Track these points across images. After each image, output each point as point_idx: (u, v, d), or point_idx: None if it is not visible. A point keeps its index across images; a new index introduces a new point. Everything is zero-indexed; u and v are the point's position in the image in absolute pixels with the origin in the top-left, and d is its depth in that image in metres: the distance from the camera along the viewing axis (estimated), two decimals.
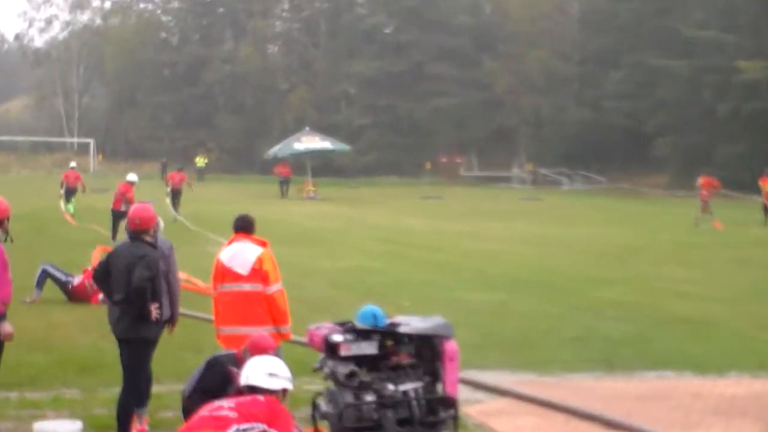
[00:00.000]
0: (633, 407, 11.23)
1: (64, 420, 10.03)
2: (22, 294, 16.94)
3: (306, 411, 9.56)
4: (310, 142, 57.73)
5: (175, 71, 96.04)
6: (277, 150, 58.82)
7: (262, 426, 6.80)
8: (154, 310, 9.58)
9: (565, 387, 12.22)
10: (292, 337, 10.88)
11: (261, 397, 7.13)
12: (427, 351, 9.20)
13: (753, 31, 65.06)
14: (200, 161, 73.96)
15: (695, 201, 40.75)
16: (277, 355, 8.52)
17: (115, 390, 10.63)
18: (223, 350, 9.45)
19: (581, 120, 74.24)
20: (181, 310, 10.85)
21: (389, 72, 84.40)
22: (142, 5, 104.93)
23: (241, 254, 10.39)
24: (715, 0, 68.21)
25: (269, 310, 10.33)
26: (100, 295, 17.53)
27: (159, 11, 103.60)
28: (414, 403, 8.89)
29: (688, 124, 66.41)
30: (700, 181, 40.69)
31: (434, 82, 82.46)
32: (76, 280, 18.12)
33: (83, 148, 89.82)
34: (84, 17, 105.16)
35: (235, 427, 6.71)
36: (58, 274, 18.28)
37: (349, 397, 8.74)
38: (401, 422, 8.83)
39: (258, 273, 10.26)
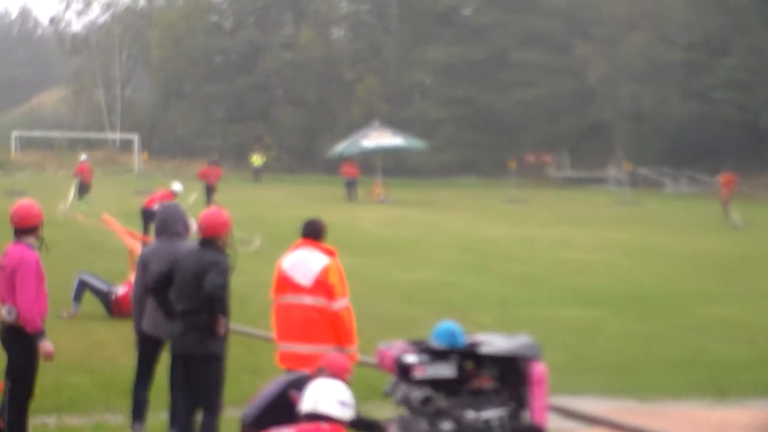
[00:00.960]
0: None
1: None
2: (59, 308, 17.19)
3: None
4: (380, 138, 57.75)
5: (228, 59, 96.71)
6: (342, 147, 58.93)
7: None
8: (222, 324, 9.68)
9: (670, 416, 12.14)
10: (359, 358, 10.86)
11: (325, 425, 7.18)
12: (511, 374, 9.20)
13: None
14: (256, 160, 74.31)
15: None
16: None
17: (163, 416, 10.80)
18: (294, 372, 9.37)
19: (687, 113, 73.40)
20: (239, 327, 10.95)
21: (468, 59, 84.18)
22: None
23: (304, 263, 10.39)
24: None
25: (333, 328, 10.29)
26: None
27: None
28: None
29: None
30: (722, 179, 44.72)
31: (519, 70, 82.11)
32: (120, 290, 18.10)
33: (126, 145, 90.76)
34: None
35: None
36: (98, 285, 18.31)
37: (424, 426, 8.76)
38: None
39: (322, 286, 10.24)
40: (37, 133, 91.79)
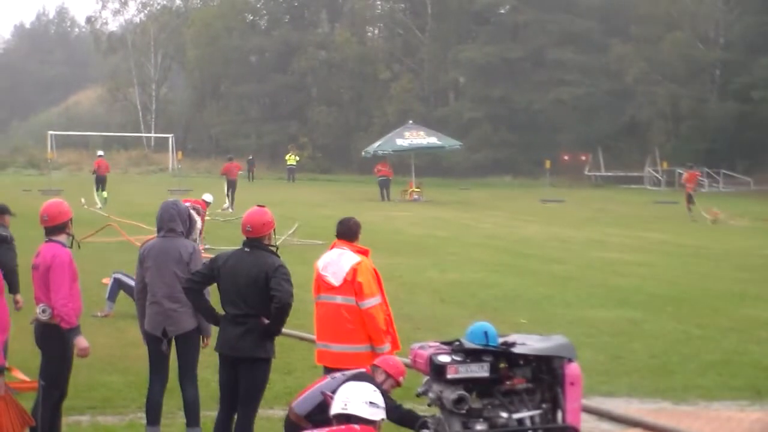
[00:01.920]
0: None
1: None
2: (93, 308, 17.29)
3: None
4: (414, 137, 57.71)
5: (263, 58, 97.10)
6: (377, 146, 58.91)
7: None
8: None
9: (705, 417, 12.08)
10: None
11: (356, 427, 7.19)
12: (545, 375, 9.19)
13: None
14: (291, 159, 74.46)
15: None
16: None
17: (181, 417, 10.86)
18: (352, 371, 9.40)
19: (725, 113, 73.11)
20: None
21: (504, 58, 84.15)
22: None
23: (336, 263, 10.47)
24: None
25: (364, 327, 10.34)
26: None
27: None
28: None
29: None
30: (686, 175, 48.03)
31: (556, 69, 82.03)
32: None
33: (161, 144, 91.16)
34: None
35: None
36: (131, 283, 18.42)
37: (457, 426, 8.76)
38: None
39: (350, 285, 10.30)
40: (73, 133, 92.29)
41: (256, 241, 9.73)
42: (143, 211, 36.71)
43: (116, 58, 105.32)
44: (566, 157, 77.19)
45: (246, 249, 9.73)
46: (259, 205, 9.99)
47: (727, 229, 40.32)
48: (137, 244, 22.24)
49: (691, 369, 14.73)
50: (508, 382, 8.99)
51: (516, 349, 9.07)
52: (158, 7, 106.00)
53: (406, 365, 9.89)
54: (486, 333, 9.06)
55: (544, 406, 9.12)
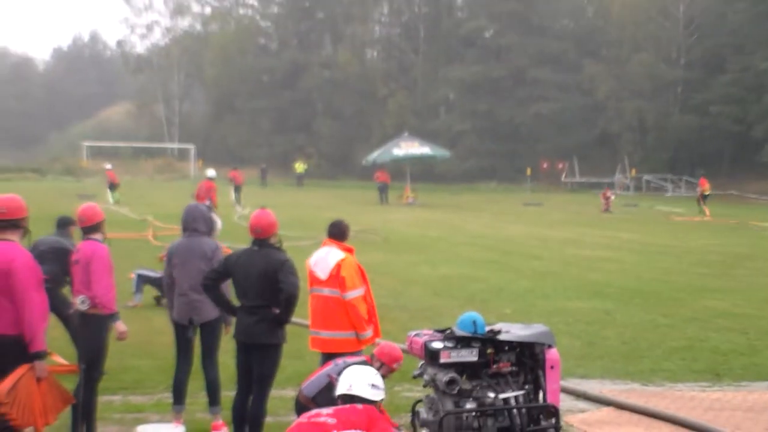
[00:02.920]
0: (742, 419, 11.06)
1: (167, 424, 10.22)
2: (121, 299, 17.28)
3: (406, 418, 9.61)
4: (409, 147, 57.72)
5: (274, 77, 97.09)
6: (376, 156, 58.94)
7: None
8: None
9: (670, 397, 12.08)
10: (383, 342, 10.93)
11: (360, 406, 7.19)
12: (528, 359, 9.18)
13: None
14: (299, 167, 74.52)
15: None
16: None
17: (203, 396, 10.87)
18: (354, 358, 9.48)
19: (687, 125, 73.21)
20: None
21: (489, 77, 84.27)
22: (241, 11, 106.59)
23: (324, 259, 10.60)
24: None
25: (348, 316, 10.44)
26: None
27: (258, 17, 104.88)
28: (515, 411, 8.87)
29: None
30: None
31: (535, 87, 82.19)
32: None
33: (183, 154, 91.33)
34: (184, 23, 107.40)
35: None
36: (151, 275, 18.54)
37: (449, 405, 8.74)
38: (502, 431, 8.82)
39: (335, 278, 10.43)
40: (104, 143, 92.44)
41: (264, 240, 9.77)
42: (170, 213, 36.75)
43: (143, 77, 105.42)
44: (545, 165, 77.20)
45: (255, 247, 9.76)
46: (262, 208, 10.00)
47: (687, 229, 40.32)
48: (155, 243, 22.32)
49: (658, 354, 14.72)
50: (494, 366, 8.97)
51: (501, 337, 9.05)
52: (181, 32, 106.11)
53: (403, 350, 9.90)
54: (475, 322, 9.04)
55: (526, 387, 9.10)
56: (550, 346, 9.25)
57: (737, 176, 70.19)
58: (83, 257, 9.79)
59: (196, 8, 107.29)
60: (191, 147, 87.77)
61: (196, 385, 11.15)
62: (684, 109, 75.30)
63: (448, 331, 9.15)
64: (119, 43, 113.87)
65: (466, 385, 8.87)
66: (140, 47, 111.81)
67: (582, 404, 11.76)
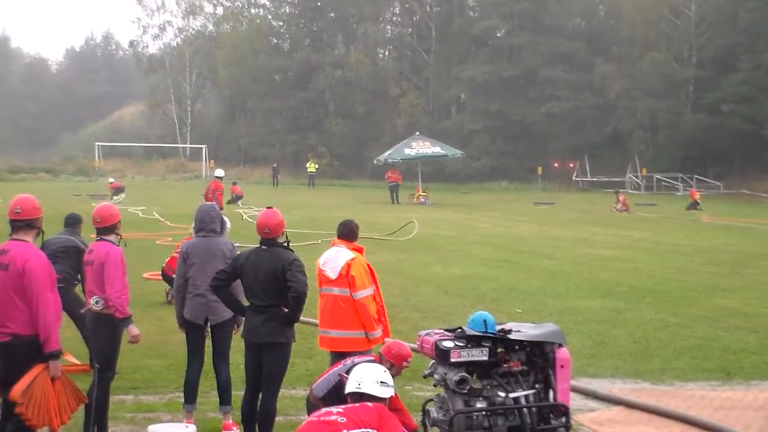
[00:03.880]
0: (752, 418, 11.05)
1: (178, 423, 10.26)
2: (135, 299, 17.27)
3: (417, 417, 9.63)
4: (421, 147, 57.73)
5: (286, 77, 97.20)
6: (387, 155, 58.90)
7: (372, 431, 6.88)
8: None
9: (680, 396, 12.07)
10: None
11: (369, 404, 7.22)
12: (538, 358, 9.20)
13: None
14: (311, 166, 74.55)
15: None
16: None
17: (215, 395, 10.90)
18: (361, 357, 9.47)
19: (698, 124, 72.99)
20: None
21: (501, 76, 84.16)
22: (253, 11, 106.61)
23: (333, 259, 10.57)
24: None
25: (358, 316, 10.41)
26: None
27: (270, 17, 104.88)
28: (525, 410, 8.89)
29: None
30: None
31: (546, 86, 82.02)
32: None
33: (195, 154, 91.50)
34: (197, 23, 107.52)
35: None
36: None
37: (459, 404, 8.77)
38: (512, 430, 8.84)
39: (344, 278, 10.39)
40: (117, 144, 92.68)
41: (272, 239, 9.77)
42: (181, 212, 36.86)
43: (155, 78, 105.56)
44: (556, 164, 77.11)
45: (263, 247, 9.76)
46: (269, 207, 10.03)
47: (699, 228, 40.26)
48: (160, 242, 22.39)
49: (668, 353, 14.71)
50: (505, 365, 9.00)
51: (512, 336, 9.08)
52: (193, 32, 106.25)
53: (414, 350, 9.92)
54: (485, 321, 9.07)
55: (537, 386, 9.13)
56: (560, 346, 9.27)
57: (748, 175, 70.09)
58: (97, 259, 9.79)
59: (208, 8, 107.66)
60: (203, 147, 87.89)
61: (207, 384, 11.21)
62: (695, 108, 75.12)
63: (458, 331, 9.17)
64: (132, 44, 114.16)
65: (477, 384, 8.89)
66: (153, 47, 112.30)
67: (592, 403, 11.76)
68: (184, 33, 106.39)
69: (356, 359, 9.26)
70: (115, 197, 50.85)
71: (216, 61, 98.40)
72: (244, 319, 9.98)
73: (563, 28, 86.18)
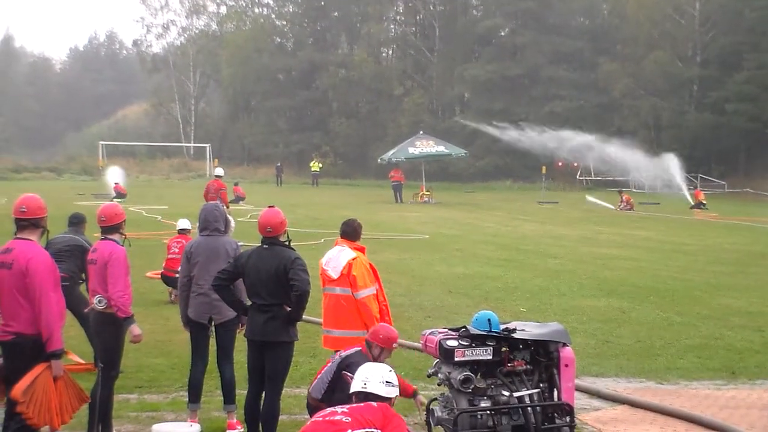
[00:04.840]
0: (757, 417, 11.03)
1: (182, 422, 10.25)
2: (138, 299, 17.31)
3: (420, 417, 9.60)
4: (425, 146, 57.69)
5: (290, 76, 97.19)
6: (391, 154, 58.91)
7: (377, 431, 6.87)
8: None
9: (685, 395, 12.06)
10: (406, 342, 10.92)
11: (374, 403, 7.20)
12: (542, 357, 9.17)
13: None
14: (315, 166, 74.58)
15: None
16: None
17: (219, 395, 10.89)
18: (348, 350, 9.45)
19: (702, 123, 72.95)
20: None
21: (504, 75, 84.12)
22: (257, 10, 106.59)
23: (335, 258, 10.59)
24: None
25: (360, 315, 10.40)
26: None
27: (273, 16, 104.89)
28: (529, 409, 8.87)
29: None
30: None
31: (550, 85, 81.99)
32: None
33: (199, 153, 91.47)
34: (200, 23, 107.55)
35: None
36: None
37: (464, 403, 8.75)
38: (516, 429, 8.81)
39: (346, 277, 10.40)
40: (121, 143, 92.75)
41: (274, 238, 9.76)
42: (185, 212, 36.84)
43: (159, 77, 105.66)
44: (560, 164, 76.96)
45: (265, 246, 9.75)
46: (270, 206, 10.01)
47: (704, 227, 40.23)
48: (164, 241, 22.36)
49: (673, 352, 14.70)
50: (509, 364, 8.97)
51: (516, 335, 9.06)
52: (196, 32, 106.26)
53: (417, 349, 9.90)
54: (489, 320, 9.04)
55: (541, 385, 9.11)
56: (564, 345, 9.25)
57: (753, 174, 69.97)
58: (100, 258, 9.77)
59: (212, 7, 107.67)
60: (207, 146, 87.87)
61: (211, 383, 11.20)
62: (699, 107, 75.09)
63: (462, 330, 9.15)
64: (135, 43, 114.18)
65: (481, 384, 8.86)
66: (156, 47, 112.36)
67: (596, 402, 11.75)
68: (188, 32, 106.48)
69: (342, 353, 9.26)
70: (115, 199, 50.80)
71: (219, 61, 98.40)
72: (245, 318, 9.98)
73: (567, 27, 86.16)
